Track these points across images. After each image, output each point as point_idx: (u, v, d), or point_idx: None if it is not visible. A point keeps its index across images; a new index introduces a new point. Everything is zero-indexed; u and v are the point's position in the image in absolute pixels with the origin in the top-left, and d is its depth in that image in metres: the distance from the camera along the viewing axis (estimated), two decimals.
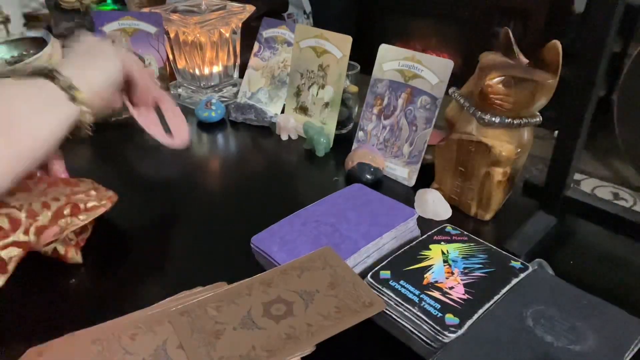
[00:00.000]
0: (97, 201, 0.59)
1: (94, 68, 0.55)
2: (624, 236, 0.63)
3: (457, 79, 0.69)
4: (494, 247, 0.55)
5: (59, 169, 0.62)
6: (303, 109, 0.90)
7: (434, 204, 0.68)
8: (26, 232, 0.54)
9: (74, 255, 0.59)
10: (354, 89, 0.90)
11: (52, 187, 0.57)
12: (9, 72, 0.94)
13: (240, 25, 1.03)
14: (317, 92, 0.87)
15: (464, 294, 0.48)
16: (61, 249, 0.58)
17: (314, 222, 0.59)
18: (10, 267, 0.52)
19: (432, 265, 0.52)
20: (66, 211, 0.56)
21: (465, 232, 0.57)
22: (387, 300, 0.48)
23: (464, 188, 0.68)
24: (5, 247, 0.52)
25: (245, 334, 0.44)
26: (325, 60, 0.85)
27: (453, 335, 0.44)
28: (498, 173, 0.64)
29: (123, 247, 0.64)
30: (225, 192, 0.78)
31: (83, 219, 0.57)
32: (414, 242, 0.56)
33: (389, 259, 0.53)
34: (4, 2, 1.42)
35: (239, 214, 0.71)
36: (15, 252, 0.53)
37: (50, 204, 0.56)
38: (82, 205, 0.58)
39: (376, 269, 0.51)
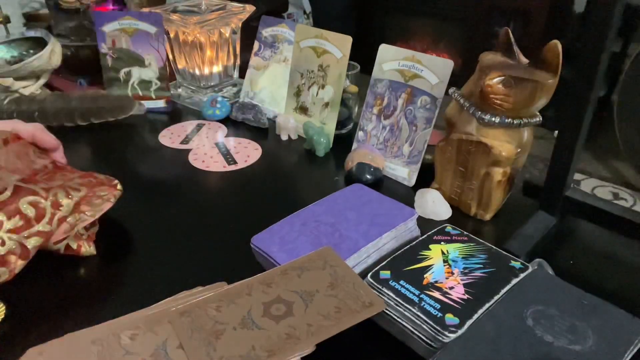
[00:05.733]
0: (101, 197, 0.60)
1: None
2: (624, 236, 0.63)
3: (457, 79, 0.69)
4: (494, 247, 0.55)
5: (57, 155, 0.65)
6: (303, 109, 0.90)
7: (434, 204, 0.68)
8: (49, 222, 0.55)
9: (87, 249, 0.60)
10: (354, 89, 0.90)
11: (64, 175, 0.60)
12: (9, 72, 0.94)
13: (240, 25, 1.03)
14: (317, 92, 0.87)
15: (464, 294, 0.48)
16: (73, 244, 0.59)
17: (314, 222, 0.59)
18: (31, 254, 0.54)
19: (432, 265, 0.52)
20: (83, 206, 0.58)
21: (465, 232, 0.57)
22: (387, 300, 0.48)
23: (464, 188, 0.68)
24: (30, 236, 0.54)
25: (245, 334, 0.44)
26: (325, 60, 0.85)
27: (453, 335, 0.44)
28: (498, 173, 0.64)
29: (122, 247, 0.64)
30: (226, 192, 0.78)
31: (91, 215, 0.58)
32: (414, 242, 0.56)
33: (389, 259, 0.53)
34: (4, 2, 1.42)
35: (239, 214, 0.71)
36: (38, 242, 0.54)
37: (72, 195, 0.58)
38: (88, 200, 0.59)
39: (376, 269, 0.51)
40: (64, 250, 0.59)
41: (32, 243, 0.54)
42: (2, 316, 0.53)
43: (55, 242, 0.57)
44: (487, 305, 0.47)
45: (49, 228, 0.55)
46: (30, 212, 0.54)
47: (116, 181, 0.63)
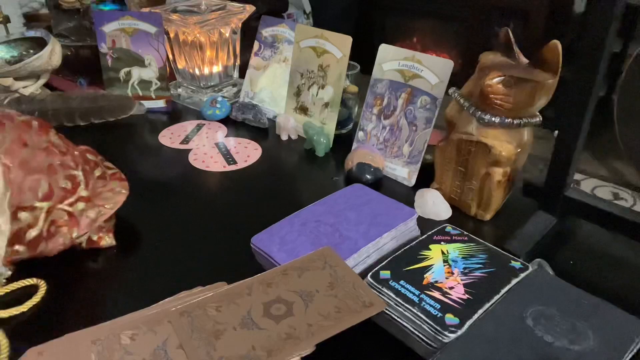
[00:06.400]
0: (113, 190, 0.62)
1: None
2: (624, 236, 0.63)
3: (457, 79, 0.69)
4: (494, 247, 0.55)
5: None
6: (303, 109, 0.90)
7: (434, 204, 0.68)
8: (86, 187, 0.59)
9: (107, 240, 0.62)
10: (354, 89, 0.90)
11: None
12: (9, 72, 0.94)
13: (240, 25, 1.03)
14: (317, 92, 0.87)
15: (464, 294, 0.48)
16: (94, 237, 0.61)
17: (314, 222, 0.59)
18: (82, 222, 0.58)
19: (432, 265, 0.52)
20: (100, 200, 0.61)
21: (465, 232, 0.57)
22: (387, 300, 0.48)
23: (464, 188, 0.68)
24: (73, 203, 0.58)
25: (245, 334, 0.44)
26: (325, 60, 0.85)
27: (453, 335, 0.44)
28: (498, 173, 0.64)
29: (122, 247, 0.64)
30: (225, 192, 0.78)
31: (110, 207, 0.61)
32: (414, 242, 0.56)
33: (389, 259, 0.53)
34: (4, 2, 1.42)
35: (239, 214, 0.71)
36: (82, 206, 0.58)
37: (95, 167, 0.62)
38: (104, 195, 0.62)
39: (376, 269, 0.51)
40: (86, 244, 0.61)
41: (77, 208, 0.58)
42: (44, 292, 0.55)
43: (77, 236, 0.58)
44: (487, 305, 0.47)
45: (86, 193, 0.59)
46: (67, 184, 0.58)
47: (116, 169, 0.65)
